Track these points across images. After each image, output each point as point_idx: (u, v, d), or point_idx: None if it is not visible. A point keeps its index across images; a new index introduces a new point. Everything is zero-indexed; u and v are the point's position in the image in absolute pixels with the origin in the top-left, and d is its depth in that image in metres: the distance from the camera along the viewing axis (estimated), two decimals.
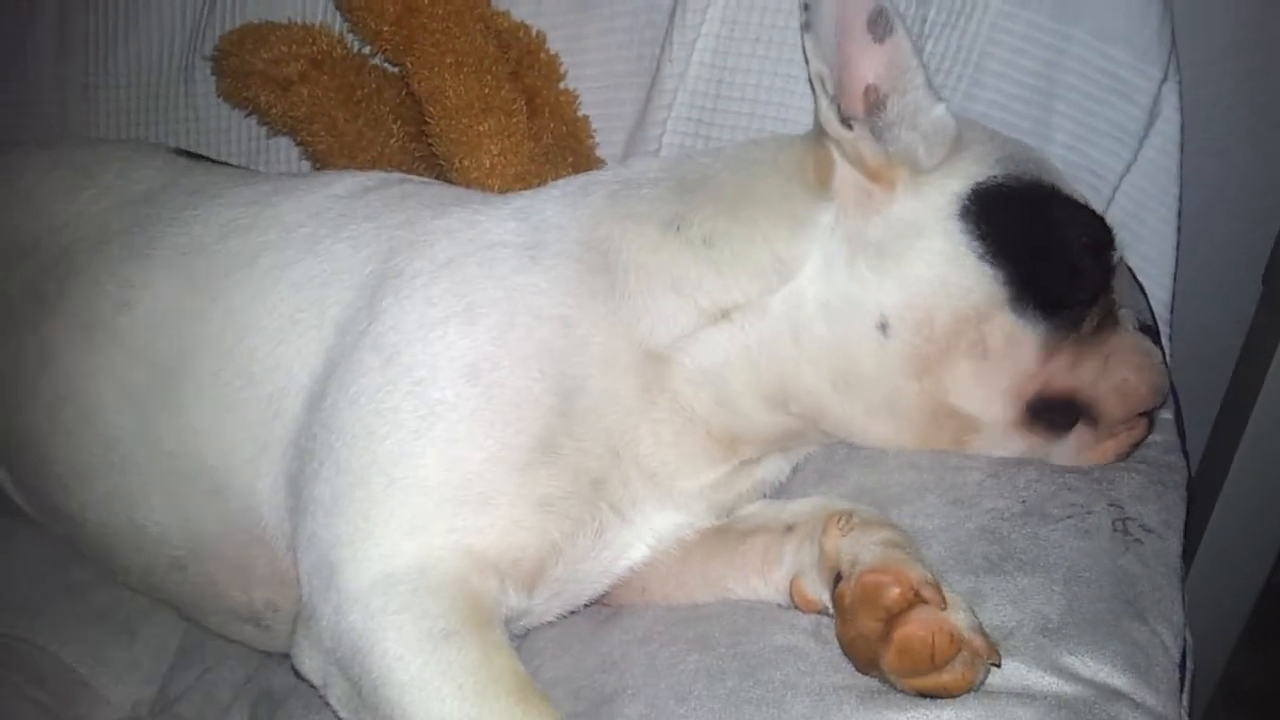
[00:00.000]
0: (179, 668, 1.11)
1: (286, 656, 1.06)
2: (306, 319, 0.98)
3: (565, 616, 0.98)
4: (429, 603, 0.83)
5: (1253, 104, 1.59)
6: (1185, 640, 0.88)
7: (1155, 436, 1.03)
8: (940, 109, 0.97)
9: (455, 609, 0.83)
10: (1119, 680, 0.79)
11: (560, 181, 1.10)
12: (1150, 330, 1.04)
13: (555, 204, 1.03)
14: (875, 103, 0.96)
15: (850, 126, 0.94)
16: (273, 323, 0.99)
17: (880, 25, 0.95)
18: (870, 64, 0.96)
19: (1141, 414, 1.00)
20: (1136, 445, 1.00)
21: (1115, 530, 0.91)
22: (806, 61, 0.97)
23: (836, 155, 0.96)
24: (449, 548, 0.86)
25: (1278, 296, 1.58)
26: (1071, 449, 0.98)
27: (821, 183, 0.98)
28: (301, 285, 1.00)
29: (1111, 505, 0.93)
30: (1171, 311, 1.38)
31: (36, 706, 1.03)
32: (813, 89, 0.97)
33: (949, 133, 0.97)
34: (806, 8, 0.95)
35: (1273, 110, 1.62)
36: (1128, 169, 1.34)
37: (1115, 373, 0.96)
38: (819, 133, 0.98)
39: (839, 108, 0.95)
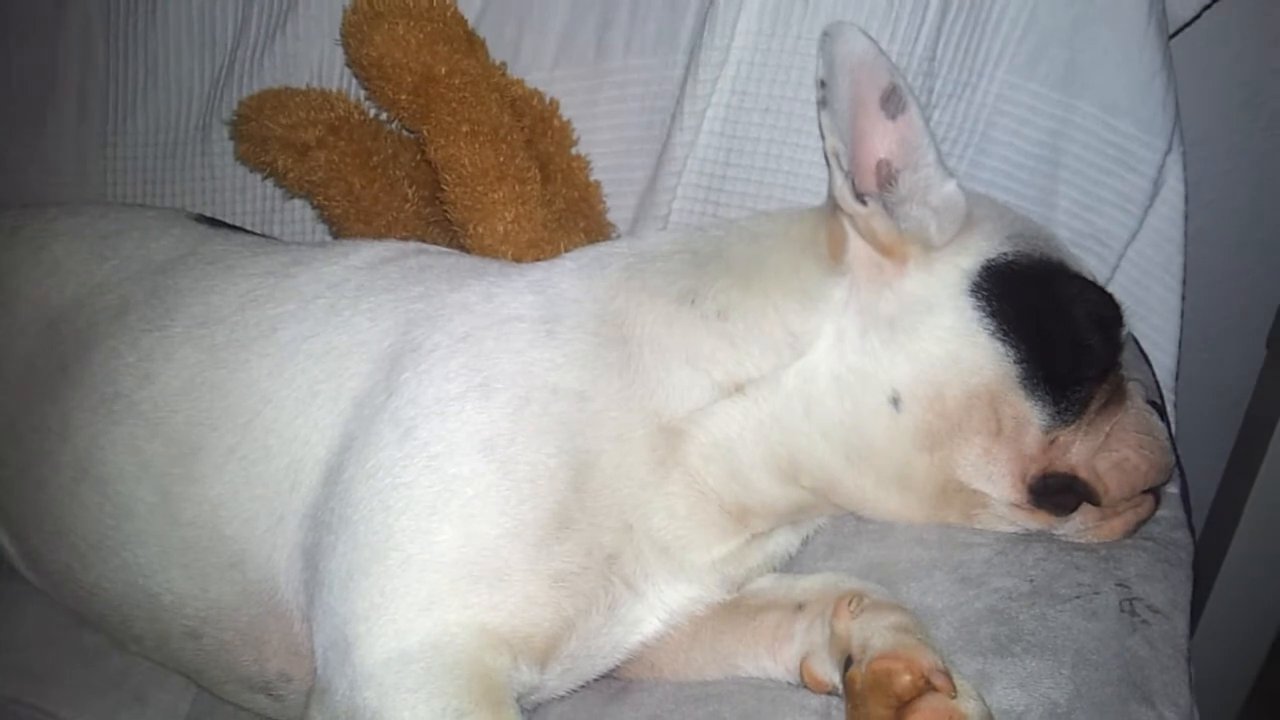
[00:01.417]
0: None
1: None
2: (325, 391, 1.00)
3: (576, 690, 0.98)
4: (443, 682, 0.84)
5: (1251, 168, 1.61)
6: None
7: (1162, 512, 1.04)
8: (951, 185, 0.99)
9: (469, 689, 0.84)
10: None
11: (575, 253, 1.12)
12: (1156, 406, 1.05)
13: (570, 277, 1.05)
14: (887, 178, 0.98)
15: (864, 202, 0.96)
16: (291, 395, 1.01)
17: (894, 102, 0.97)
18: (883, 140, 0.98)
19: (1146, 490, 1.01)
20: (1143, 522, 1.01)
21: (1123, 611, 0.91)
22: (823, 137, 0.99)
23: (849, 230, 0.98)
24: (463, 625, 0.87)
25: None
26: (1078, 526, 0.99)
27: (834, 256, 0.99)
28: (320, 357, 1.02)
29: (1119, 585, 0.94)
30: (1176, 379, 1.39)
31: None
32: (828, 164, 0.99)
33: (960, 209, 0.98)
34: (823, 84, 0.97)
35: (1273, 172, 1.64)
36: (1133, 237, 1.36)
37: (1115, 451, 0.97)
38: (832, 207, 1.00)
39: (853, 183, 0.96)
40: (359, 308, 1.04)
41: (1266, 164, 1.63)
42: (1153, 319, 1.38)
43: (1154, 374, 1.27)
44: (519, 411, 0.93)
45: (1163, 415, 1.06)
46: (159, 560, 1.04)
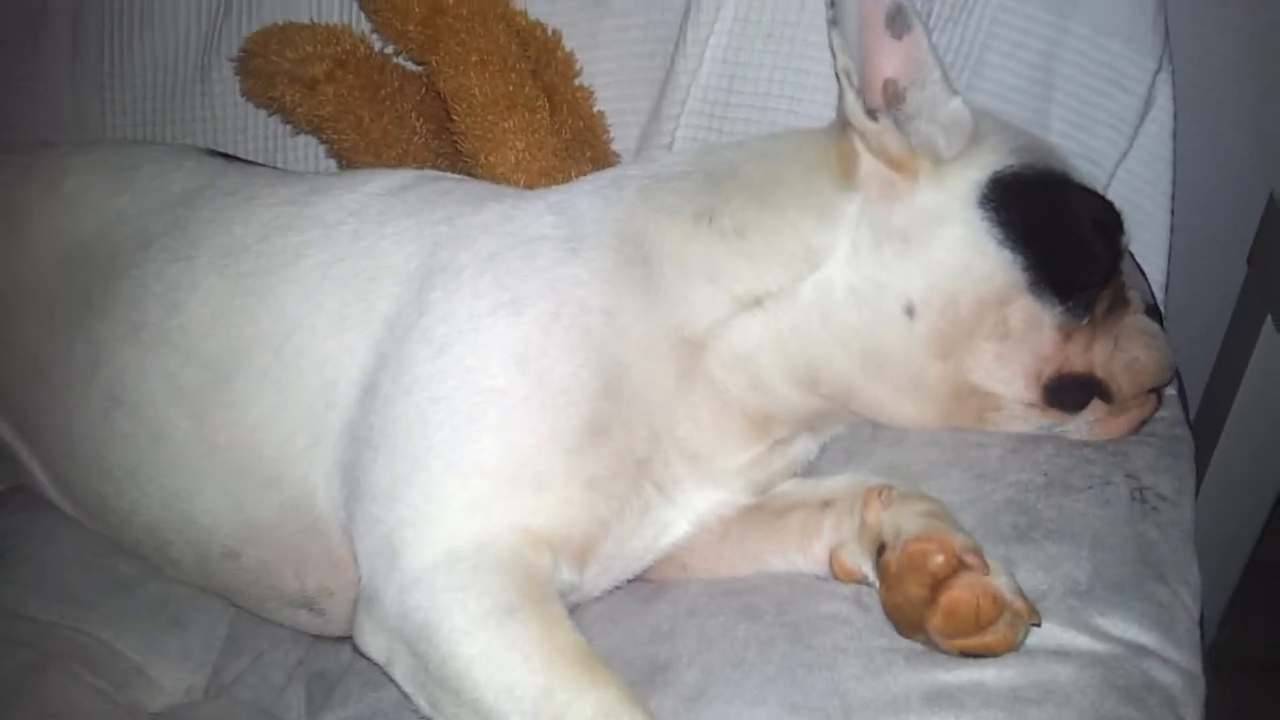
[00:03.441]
0: (229, 654, 1.14)
1: (337, 640, 1.11)
2: (355, 314, 1.02)
3: (610, 592, 1.02)
4: (491, 580, 0.87)
5: (1238, 90, 1.66)
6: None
7: (1162, 412, 1.09)
8: (957, 102, 1.02)
9: (516, 585, 0.87)
10: (1146, 638, 0.85)
11: (589, 177, 1.14)
12: (1154, 311, 1.10)
13: (589, 199, 1.07)
14: (894, 95, 1.01)
15: (875, 119, 0.99)
16: (321, 319, 1.03)
17: (899, 22, 0.99)
18: (889, 59, 1.01)
19: (1150, 390, 1.05)
20: (1146, 420, 1.06)
21: (1133, 499, 0.96)
22: (833, 55, 1.02)
23: (860, 147, 1.01)
24: (506, 526, 0.90)
25: (1261, 277, 1.65)
26: (1086, 424, 1.03)
27: (845, 174, 1.02)
28: (347, 282, 1.04)
29: (1128, 476, 0.99)
30: (1166, 292, 1.44)
31: (95, 692, 1.06)
32: (839, 82, 1.02)
33: (967, 124, 1.02)
34: (833, 4, 1.00)
35: (1255, 92, 1.69)
36: (1124, 156, 1.40)
37: (1126, 352, 1.02)
38: (842, 125, 1.03)
39: (864, 101, 0.99)
40: (383, 232, 1.06)
41: (1244, 84, 1.68)
42: (1143, 234, 1.42)
43: (1148, 283, 1.32)
44: (549, 325, 0.96)
45: (1160, 321, 1.11)
46: (195, 483, 1.06)
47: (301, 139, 1.52)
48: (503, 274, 0.99)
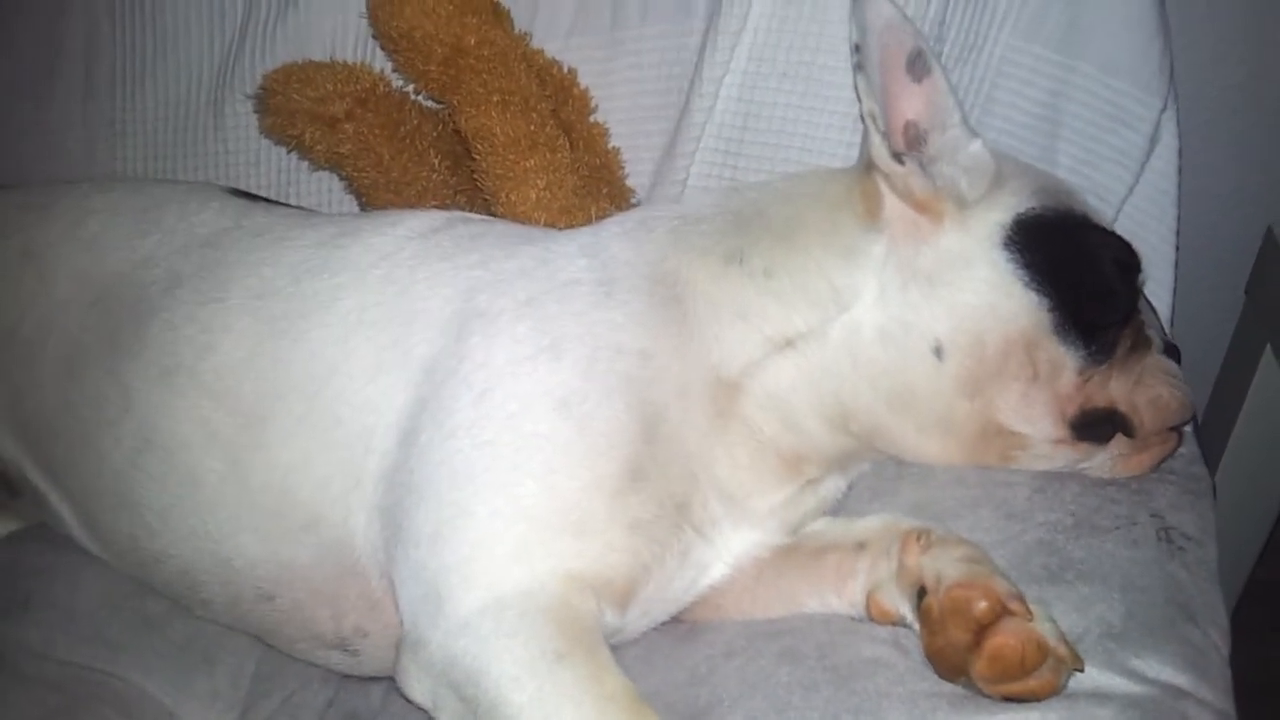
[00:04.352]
0: (258, 694, 1.14)
1: (366, 680, 1.12)
2: (391, 359, 1.02)
3: (645, 634, 1.03)
4: (538, 625, 0.88)
5: (1238, 126, 1.69)
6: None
7: (1180, 449, 1.11)
8: (977, 144, 1.04)
9: (564, 631, 0.88)
10: (1181, 680, 0.87)
11: (616, 218, 1.16)
12: (1173, 349, 1.12)
13: (619, 241, 1.08)
14: (915, 138, 1.04)
15: (902, 162, 1.01)
16: (358, 364, 1.03)
17: (919, 65, 1.02)
18: (910, 102, 1.03)
19: (1171, 429, 1.08)
20: (1168, 457, 1.09)
21: (1160, 540, 0.98)
22: (859, 100, 1.05)
23: (885, 189, 1.03)
24: (551, 572, 0.91)
25: (1260, 308, 1.68)
26: (1109, 462, 1.06)
27: (870, 214, 1.04)
28: (384, 326, 1.04)
29: (1154, 516, 1.01)
30: (1172, 325, 1.47)
31: None
32: (864, 125, 1.05)
33: (989, 166, 1.04)
34: (858, 49, 1.03)
35: (1253, 128, 1.73)
36: (1130, 192, 1.43)
37: (1150, 388, 1.04)
38: (866, 167, 1.06)
39: (889, 144, 1.01)
40: (416, 276, 1.07)
41: (1243, 119, 1.72)
42: (1148, 268, 1.44)
43: (1158, 318, 1.34)
44: (588, 370, 0.97)
45: (1178, 359, 1.13)
46: (230, 526, 1.06)
47: (313, 175, 1.53)
48: (540, 319, 1.00)
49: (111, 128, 1.57)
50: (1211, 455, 1.71)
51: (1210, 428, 1.77)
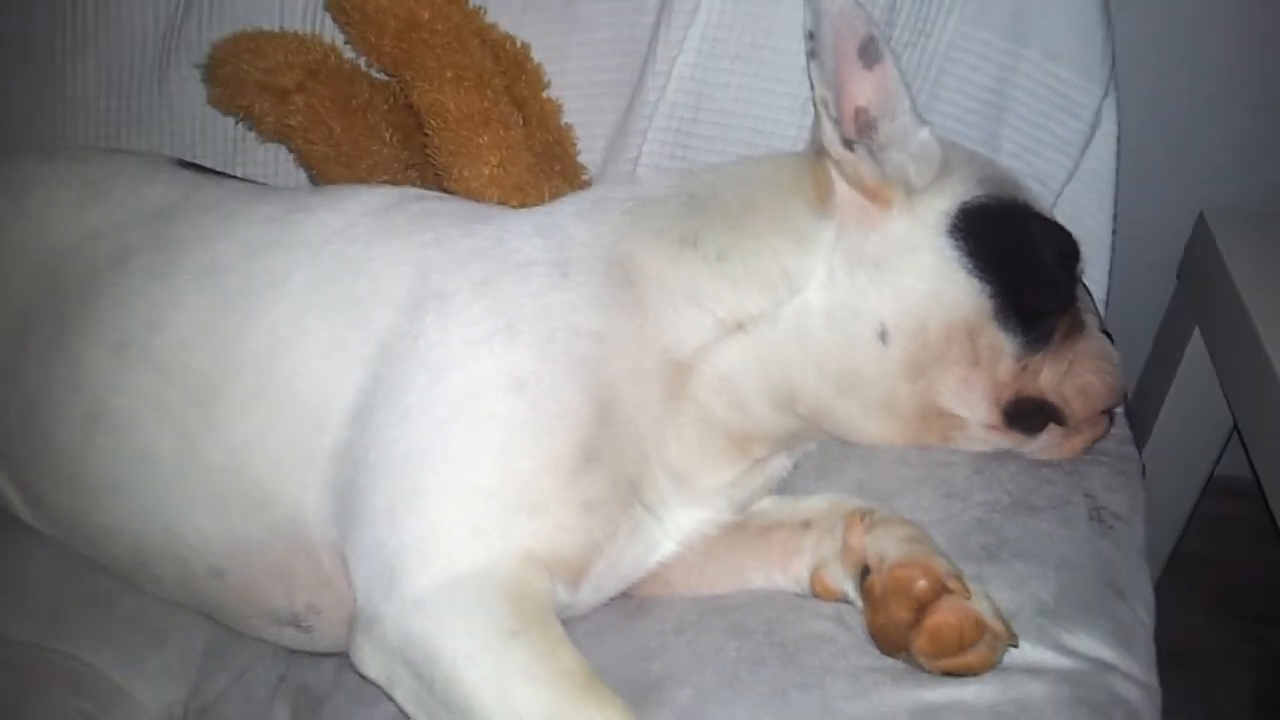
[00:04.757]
0: (209, 670, 1.14)
1: (318, 655, 1.13)
2: (346, 337, 1.02)
3: (596, 610, 1.05)
4: (493, 603, 0.89)
5: (1172, 113, 1.74)
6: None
7: (1113, 430, 1.15)
8: (926, 132, 1.07)
9: (518, 609, 0.89)
10: (1110, 654, 0.91)
11: (571, 197, 1.17)
12: (1108, 335, 1.16)
13: (575, 221, 1.09)
14: (865, 125, 1.05)
15: (852, 148, 1.03)
16: (311, 342, 1.03)
17: (870, 52, 1.04)
18: (860, 88, 1.05)
19: (1103, 411, 1.12)
20: (1099, 440, 1.13)
21: (1092, 519, 1.03)
22: (811, 87, 1.06)
23: (835, 175, 1.05)
24: (507, 551, 0.92)
25: (1190, 290, 1.74)
26: (1044, 445, 1.10)
27: (821, 200, 1.07)
28: (337, 304, 1.04)
29: (1086, 496, 1.05)
30: (1107, 306, 1.51)
31: (81, 715, 1.05)
32: (815, 112, 1.06)
33: (936, 155, 1.06)
34: (811, 37, 1.04)
35: (1188, 114, 1.77)
36: (1070, 178, 1.47)
37: (1079, 377, 1.08)
38: (816, 152, 1.08)
39: (841, 130, 1.03)
40: (371, 254, 1.07)
41: (1178, 106, 1.76)
42: (1085, 252, 1.48)
43: (1094, 301, 1.38)
44: (544, 351, 0.98)
45: (1112, 341, 1.17)
46: (181, 503, 1.06)
47: (260, 145, 1.51)
48: (496, 299, 1.01)
49: (52, 93, 1.53)
50: (1140, 433, 1.77)
51: (1139, 406, 1.83)
